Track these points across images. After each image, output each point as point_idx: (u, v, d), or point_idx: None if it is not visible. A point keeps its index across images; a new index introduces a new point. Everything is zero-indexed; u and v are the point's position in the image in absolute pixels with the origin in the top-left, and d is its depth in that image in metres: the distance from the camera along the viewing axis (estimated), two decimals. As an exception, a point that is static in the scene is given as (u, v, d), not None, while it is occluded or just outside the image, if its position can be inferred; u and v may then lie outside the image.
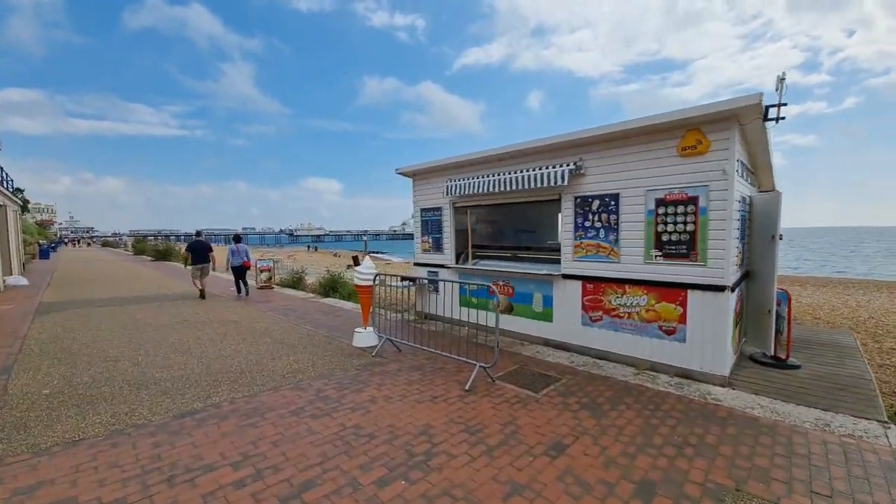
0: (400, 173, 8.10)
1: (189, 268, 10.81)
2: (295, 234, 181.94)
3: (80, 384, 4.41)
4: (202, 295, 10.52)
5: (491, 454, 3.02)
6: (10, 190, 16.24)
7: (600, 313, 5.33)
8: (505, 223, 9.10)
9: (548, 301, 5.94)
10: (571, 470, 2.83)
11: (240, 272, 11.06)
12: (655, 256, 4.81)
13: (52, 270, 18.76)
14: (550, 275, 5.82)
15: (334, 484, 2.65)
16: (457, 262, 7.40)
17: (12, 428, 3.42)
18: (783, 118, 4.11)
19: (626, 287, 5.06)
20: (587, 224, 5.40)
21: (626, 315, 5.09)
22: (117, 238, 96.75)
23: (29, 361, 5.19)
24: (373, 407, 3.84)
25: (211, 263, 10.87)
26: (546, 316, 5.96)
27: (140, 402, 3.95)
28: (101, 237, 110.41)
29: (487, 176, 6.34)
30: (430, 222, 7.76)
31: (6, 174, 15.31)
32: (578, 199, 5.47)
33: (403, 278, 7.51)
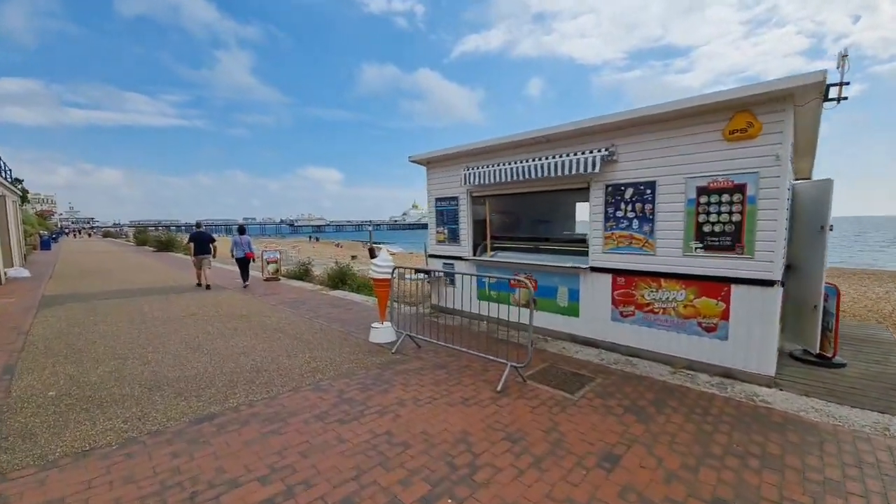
0: (413, 161, 7.75)
1: (191, 258, 11.03)
2: (296, 224, 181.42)
3: (88, 385, 4.15)
4: (200, 284, 10.82)
5: (539, 466, 2.77)
6: (9, 180, 15.87)
7: (632, 308, 5.05)
8: (521, 213, 8.78)
9: (574, 295, 5.66)
10: (632, 486, 2.57)
11: (243, 263, 11.22)
12: (696, 248, 4.51)
13: (53, 262, 18.49)
14: (577, 268, 5.52)
15: (374, 503, 2.40)
16: (474, 254, 7.10)
17: (17, 436, 3.16)
18: (845, 98, 3.77)
19: (662, 281, 4.77)
20: (619, 214, 5.09)
21: (662, 310, 4.81)
22: (118, 228, 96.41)
23: (33, 360, 4.93)
24: (402, 411, 3.58)
25: (212, 254, 11.05)
26: (572, 311, 5.69)
27: (153, 405, 3.69)
28: (102, 227, 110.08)
29: (509, 163, 6.00)
30: (446, 212, 7.44)
31: (4, 164, 14.93)
32: (610, 188, 5.15)
33: (418, 270, 7.24)
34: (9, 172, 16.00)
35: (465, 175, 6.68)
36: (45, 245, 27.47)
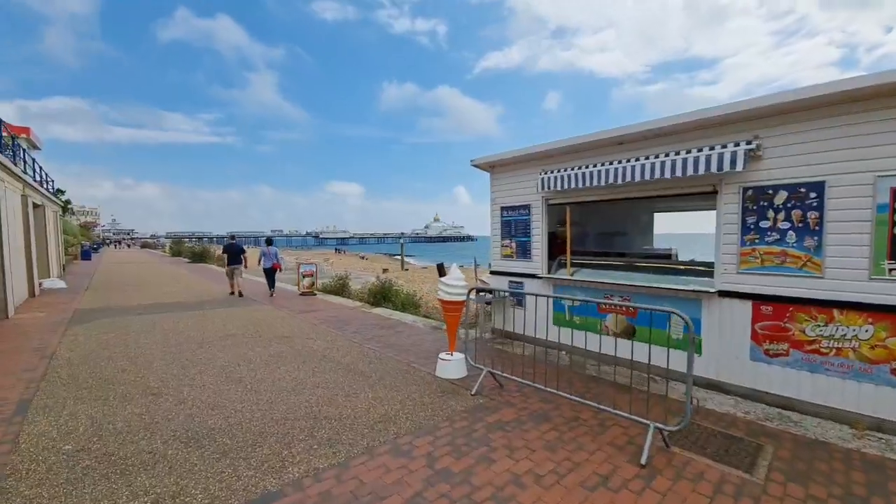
0: (475, 165, 6.84)
1: (224, 268, 11.54)
2: (320, 236, 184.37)
3: (112, 434, 3.32)
4: (234, 293, 11.17)
5: None
6: (52, 191, 15.95)
7: (785, 346, 3.90)
8: (593, 225, 7.75)
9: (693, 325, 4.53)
10: None
11: (270, 273, 11.53)
12: (891, 271, 3.36)
13: (92, 272, 18.47)
14: (698, 291, 4.42)
15: None
16: (549, 272, 6.08)
17: (13, 522, 2.31)
18: None
19: (835, 312, 3.62)
20: (764, 224, 3.99)
21: (833, 351, 3.65)
22: (155, 240, 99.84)
23: (52, 393, 4.18)
24: (525, 497, 2.56)
25: (243, 264, 11.51)
26: (689, 344, 4.56)
27: (191, 472, 2.80)
28: (141, 238, 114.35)
29: (604, 164, 5.00)
30: (514, 223, 6.47)
31: (46, 175, 14.98)
32: (749, 191, 4.06)
33: (479, 290, 6.29)
34: (50, 183, 16.11)
35: (542, 179, 5.72)
36: (86, 255, 27.97)
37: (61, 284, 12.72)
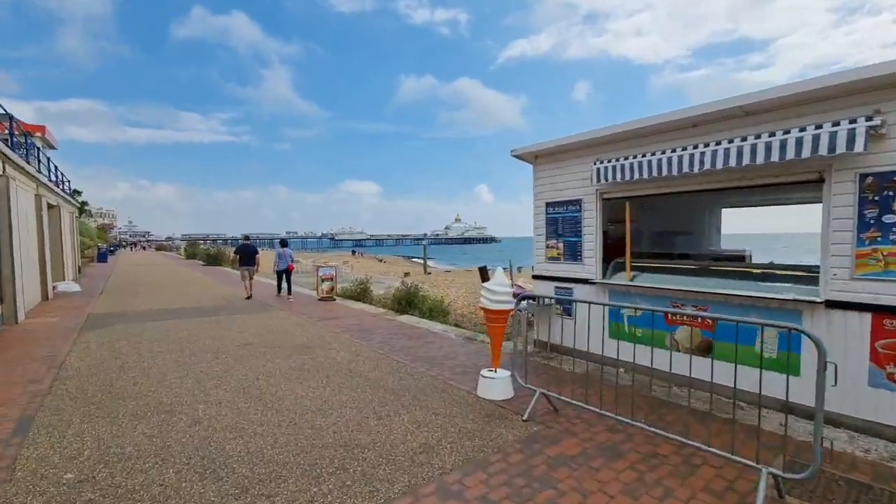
0: (516, 156, 6.43)
1: (237, 270, 11.75)
2: (336, 238, 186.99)
3: (120, 460, 3.09)
4: (249, 296, 11.35)
5: None
6: (68, 192, 16.45)
7: (918, 369, 3.34)
8: (648, 222, 7.22)
9: (790, 342, 3.99)
10: None
11: (285, 274, 11.87)
12: None
13: (108, 275, 18.98)
14: (798, 301, 3.89)
15: None
16: (604, 276, 5.61)
17: (1, 573, 2.07)
18: None
19: None
20: (890, 220, 3.43)
21: None
22: (170, 242, 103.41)
23: (57, 409, 4.02)
24: (612, 559, 2.15)
25: (256, 266, 11.75)
26: (787, 365, 3.97)
27: (205, 511, 2.52)
28: (156, 241, 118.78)
29: (676, 150, 4.50)
30: (562, 220, 6.02)
31: (62, 175, 15.45)
32: (870, 178, 3.51)
33: (527, 298, 5.88)
34: (66, 184, 16.63)
35: (596, 170, 5.26)
36: (102, 258, 28.96)
37: (76, 288, 13.01)
